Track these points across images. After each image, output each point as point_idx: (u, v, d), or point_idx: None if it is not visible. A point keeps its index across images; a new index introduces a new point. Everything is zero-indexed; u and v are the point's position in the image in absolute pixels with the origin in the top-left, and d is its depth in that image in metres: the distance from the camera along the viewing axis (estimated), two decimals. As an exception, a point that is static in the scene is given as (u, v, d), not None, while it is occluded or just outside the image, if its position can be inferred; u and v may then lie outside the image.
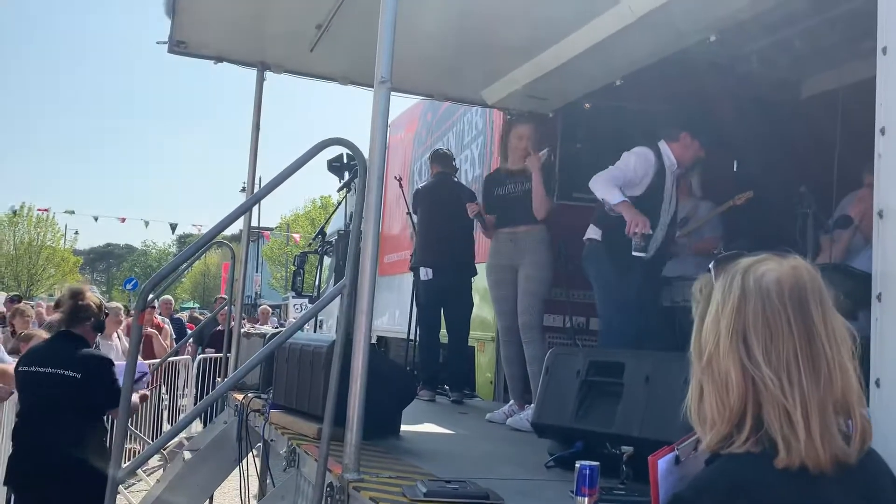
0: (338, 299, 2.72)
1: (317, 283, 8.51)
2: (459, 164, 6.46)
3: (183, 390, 8.11)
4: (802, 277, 1.18)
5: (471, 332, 5.52)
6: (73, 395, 3.44)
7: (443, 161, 5.63)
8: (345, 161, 8.32)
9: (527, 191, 4.50)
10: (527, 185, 4.51)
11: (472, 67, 4.97)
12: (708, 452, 1.17)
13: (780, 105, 5.54)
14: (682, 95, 5.32)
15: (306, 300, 9.54)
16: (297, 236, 33.04)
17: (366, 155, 2.61)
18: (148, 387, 4.72)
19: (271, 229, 40.81)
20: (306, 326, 7.72)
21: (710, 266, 1.27)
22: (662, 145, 4.09)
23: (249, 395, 4.10)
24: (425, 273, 5.28)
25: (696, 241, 4.82)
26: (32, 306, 8.53)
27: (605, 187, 3.74)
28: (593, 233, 4.00)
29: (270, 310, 11.72)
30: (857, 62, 4.40)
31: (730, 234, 4.88)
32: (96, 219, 22.45)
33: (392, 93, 2.58)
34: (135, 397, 3.58)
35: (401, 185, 6.23)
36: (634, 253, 3.59)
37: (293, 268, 8.48)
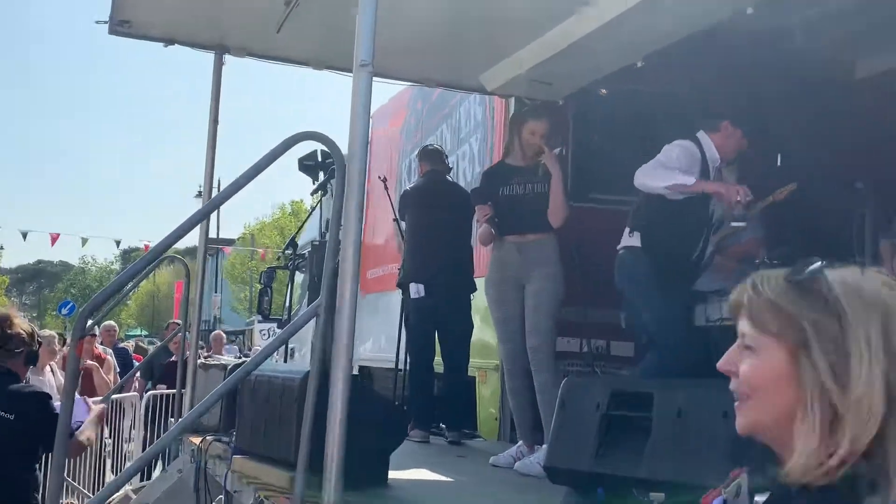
0: (312, 323, 2.71)
1: (287, 303, 8.52)
2: (456, 162, 6.47)
3: (129, 433, 8.07)
4: None
5: (470, 360, 5.52)
6: (6, 439, 3.41)
7: (433, 158, 5.64)
8: (319, 159, 8.35)
9: (538, 193, 4.51)
10: (538, 187, 4.52)
11: (469, 48, 5.00)
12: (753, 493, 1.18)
13: (830, 88, 5.57)
14: (714, 78, 5.36)
15: (275, 325, 9.55)
16: (262, 250, 33.02)
17: (344, 151, 2.62)
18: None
19: (233, 241, 40.79)
20: (275, 355, 7.71)
21: (821, 277, 1.22)
22: (702, 137, 4.12)
23: (208, 438, 4.09)
24: (416, 290, 5.27)
25: (734, 245, 4.83)
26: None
27: (663, 174, 3.76)
28: (630, 239, 4.00)
29: (224, 336, 11.67)
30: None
31: (771, 236, 4.90)
32: (25, 235, 21.67)
33: (375, 78, 2.59)
34: (82, 435, 3.54)
35: (386, 188, 6.24)
36: (735, 224, 3.62)
37: (259, 286, 8.48)
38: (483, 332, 5.76)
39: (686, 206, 3.91)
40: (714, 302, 4.23)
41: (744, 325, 1.22)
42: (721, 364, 1.25)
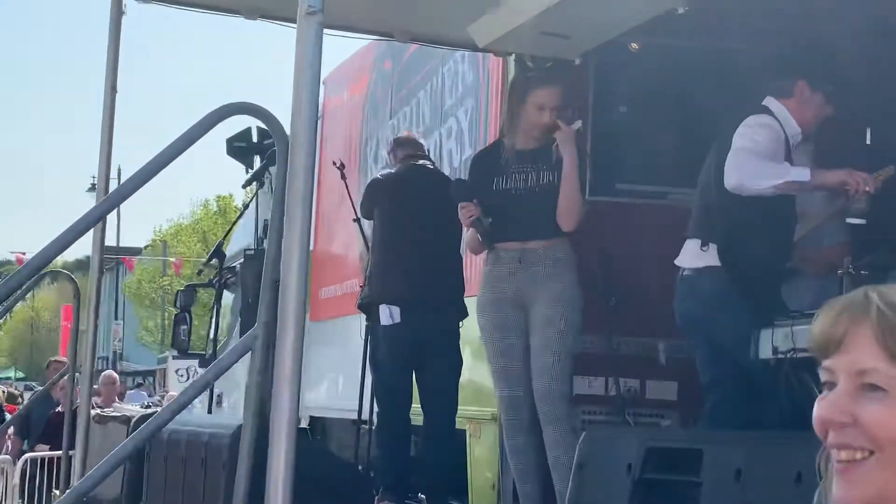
0: (246, 360, 2.71)
1: (212, 334, 8.49)
2: (438, 141, 6.49)
3: (-1, 510, 8.02)
4: None
5: (460, 408, 5.53)
6: None
7: (410, 145, 5.66)
8: (255, 140, 8.33)
9: (547, 185, 4.52)
10: (546, 176, 4.53)
11: (454, -12, 5.01)
12: None
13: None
14: (779, 26, 5.39)
15: (196, 362, 9.50)
16: (176, 260, 32.90)
17: (287, 128, 2.62)
18: None
19: (139, 251, 40.66)
20: (197, 403, 7.66)
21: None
22: (773, 105, 4.15)
23: (106, 516, 4.08)
24: (388, 315, 5.26)
25: (811, 252, 4.86)
26: None
27: (768, 169, 3.79)
28: (702, 256, 3.99)
29: (117, 378, 11.61)
30: None
31: (860, 239, 4.93)
32: None
33: (327, 31, 2.60)
34: None
35: (343, 177, 6.24)
36: (850, 220, 3.63)
37: (174, 311, 8.47)
38: (476, 371, 5.77)
39: (775, 206, 3.93)
40: (783, 327, 4.25)
41: (863, 359, 1.22)
42: (829, 414, 1.23)
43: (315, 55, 2.50)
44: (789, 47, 5.60)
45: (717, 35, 5.56)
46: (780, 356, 4.17)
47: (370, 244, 5.60)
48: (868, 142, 6.04)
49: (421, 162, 5.60)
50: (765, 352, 4.29)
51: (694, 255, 4.04)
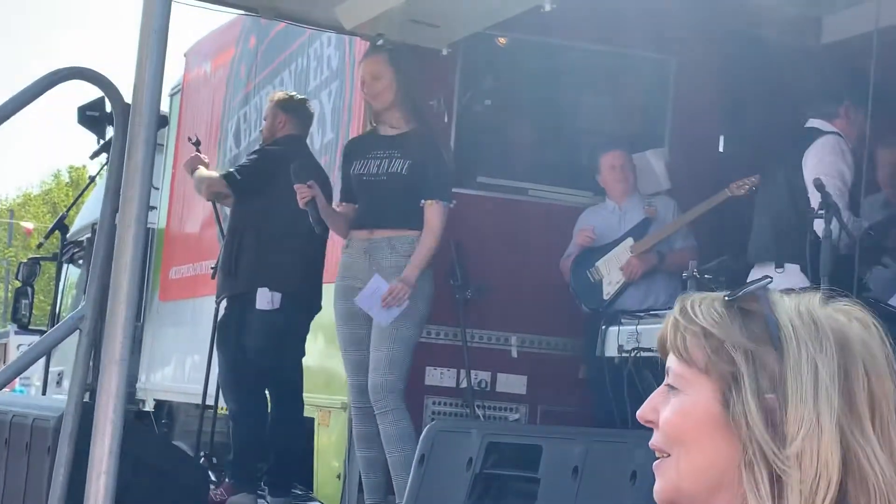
0: (74, 338, 2.60)
1: (56, 309, 8.20)
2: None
3: None
4: (874, 339, 1.21)
5: (310, 395, 5.45)
6: None
7: (303, 116, 5.47)
8: (107, 109, 8.06)
9: (394, 174, 4.47)
10: (396, 164, 4.48)
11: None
12: None
13: (789, 52, 5.80)
14: (641, 30, 5.48)
15: (37, 337, 9.13)
16: (28, 226, 31.79)
17: (128, 98, 2.52)
18: None
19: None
20: (35, 384, 7.38)
21: (761, 297, 1.24)
22: (824, 127, 4.25)
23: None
24: (268, 300, 5.07)
25: (667, 253, 4.99)
26: None
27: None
28: (780, 277, 3.95)
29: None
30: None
31: (706, 243, 5.06)
32: None
33: (192, 2, 2.50)
34: None
35: (199, 153, 6.05)
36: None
37: (16, 283, 8.14)
38: (326, 359, 5.70)
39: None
40: (629, 325, 4.34)
41: (670, 360, 1.23)
42: (641, 412, 1.24)
43: (161, 25, 2.40)
44: (647, 55, 5.72)
45: (583, 34, 5.62)
46: (624, 354, 4.25)
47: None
48: (720, 149, 6.21)
49: (301, 142, 5.44)
50: (610, 349, 4.37)
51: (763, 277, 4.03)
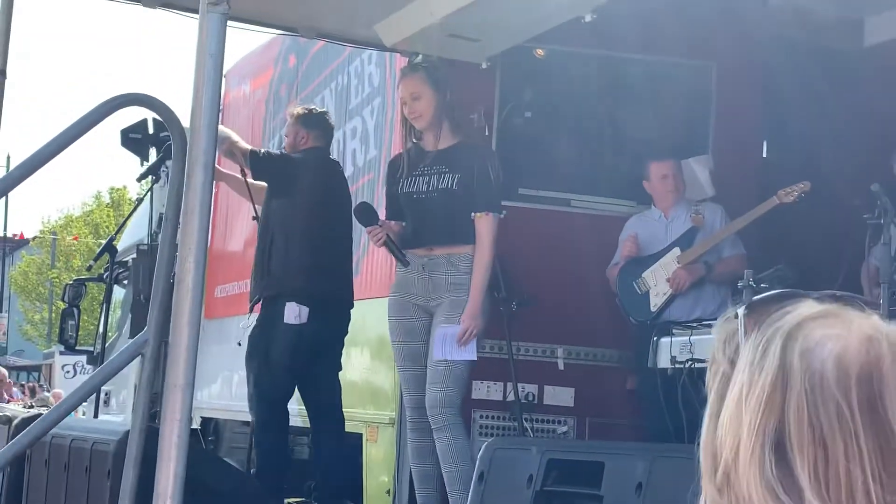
0: (136, 363, 2.59)
1: (101, 329, 8.26)
2: (342, 140, 6.37)
3: None
4: (880, 360, 1.14)
5: (357, 410, 5.43)
6: None
7: (324, 128, 5.45)
8: (150, 131, 8.11)
9: (444, 189, 4.45)
10: (445, 179, 4.46)
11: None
12: None
13: (831, 56, 5.75)
14: (679, 39, 5.44)
15: (83, 359, 9.20)
16: (73, 238, 32.07)
17: (185, 122, 2.52)
18: None
19: (27, 242, 39.49)
20: (83, 405, 7.42)
21: (739, 312, 1.24)
22: None
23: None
24: (296, 314, 5.06)
25: (716, 262, 4.93)
26: None
27: None
28: None
29: (6, 374, 11.23)
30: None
31: (759, 252, 5.00)
32: None
33: (231, 23, 2.50)
34: None
35: (244, 174, 6.07)
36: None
37: (62, 305, 8.20)
38: (374, 373, 5.68)
39: None
40: (681, 336, 4.28)
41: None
42: None
43: (218, 48, 2.40)
44: (688, 63, 5.68)
45: (621, 44, 5.59)
46: (677, 366, 4.19)
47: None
48: (764, 154, 6.16)
49: (324, 154, 5.41)
50: (663, 361, 4.32)
51: None
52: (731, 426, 1.13)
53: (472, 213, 4.41)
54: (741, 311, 1.23)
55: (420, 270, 4.44)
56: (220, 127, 5.35)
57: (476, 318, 4.29)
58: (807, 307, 1.18)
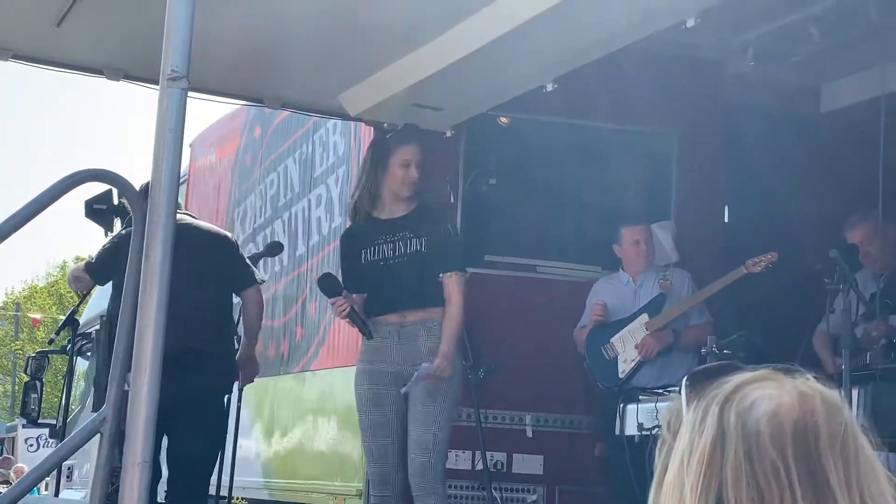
0: (97, 438, 2.54)
1: (63, 402, 8.12)
2: (307, 208, 6.36)
3: None
4: (814, 414, 1.16)
5: (324, 482, 5.35)
6: None
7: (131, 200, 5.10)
8: (115, 202, 8.07)
9: (413, 253, 4.43)
10: (412, 244, 4.45)
11: (326, 58, 4.95)
12: None
13: (788, 122, 5.83)
14: (646, 105, 5.51)
15: (45, 431, 9.03)
16: (35, 316, 31.70)
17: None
18: None
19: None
20: (46, 480, 7.28)
21: (683, 384, 1.26)
22: None
23: None
24: None
25: (682, 330, 4.94)
26: None
27: None
28: None
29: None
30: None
31: (723, 317, 5.01)
32: None
33: (192, 94, 2.50)
34: None
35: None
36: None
37: (25, 377, 8.06)
38: (342, 442, 5.62)
39: None
40: (647, 404, 4.27)
41: None
42: None
43: (177, 123, 2.39)
44: (651, 131, 5.75)
45: (583, 112, 5.65)
46: (644, 433, 4.17)
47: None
48: (726, 220, 6.21)
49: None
50: (630, 428, 4.29)
51: None
52: (673, 490, 1.14)
53: (441, 274, 4.40)
54: (683, 382, 1.25)
55: (394, 338, 4.37)
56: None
57: (448, 360, 4.24)
58: (744, 374, 1.20)
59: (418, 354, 4.32)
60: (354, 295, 4.47)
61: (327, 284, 4.52)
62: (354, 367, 5.07)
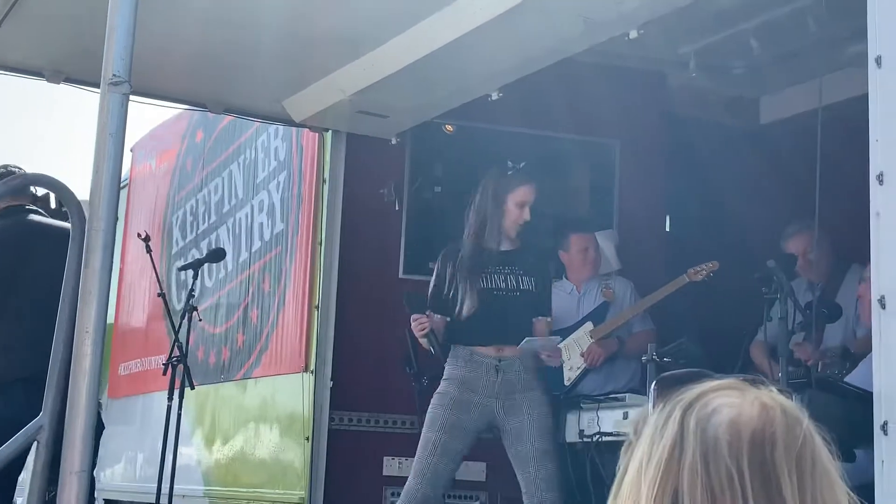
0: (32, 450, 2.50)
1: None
2: (251, 214, 6.32)
3: None
4: (773, 424, 1.17)
5: (266, 490, 5.29)
6: None
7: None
8: (52, 206, 7.97)
9: (527, 291, 4.44)
10: (524, 280, 4.45)
11: (270, 64, 4.93)
12: None
13: (729, 133, 5.92)
14: (590, 115, 5.56)
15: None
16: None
17: (83, 198, 2.47)
18: None
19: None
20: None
21: (651, 389, 1.27)
22: None
23: None
24: None
25: (627, 337, 4.98)
26: None
27: None
28: None
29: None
30: (845, 72, 4.79)
31: (663, 325, 5.06)
32: None
33: (134, 98, 2.47)
34: None
35: (149, 249, 5.97)
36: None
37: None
38: (285, 450, 5.58)
39: None
40: (590, 409, 4.30)
41: None
42: None
43: (118, 128, 2.37)
44: (592, 141, 5.80)
45: (529, 121, 5.68)
46: (585, 440, 4.20)
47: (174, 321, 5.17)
48: (667, 228, 6.27)
49: (24, 213, 4.40)
50: (571, 434, 4.32)
51: None
52: (631, 491, 1.15)
53: (537, 317, 4.47)
54: (652, 387, 1.27)
55: (491, 371, 4.36)
56: None
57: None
58: (711, 383, 1.21)
59: (512, 389, 4.35)
60: (437, 317, 4.44)
61: (414, 301, 4.50)
62: (300, 375, 5.05)
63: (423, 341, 4.46)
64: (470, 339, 4.41)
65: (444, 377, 4.48)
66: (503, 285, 4.47)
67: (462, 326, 4.42)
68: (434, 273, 4.62)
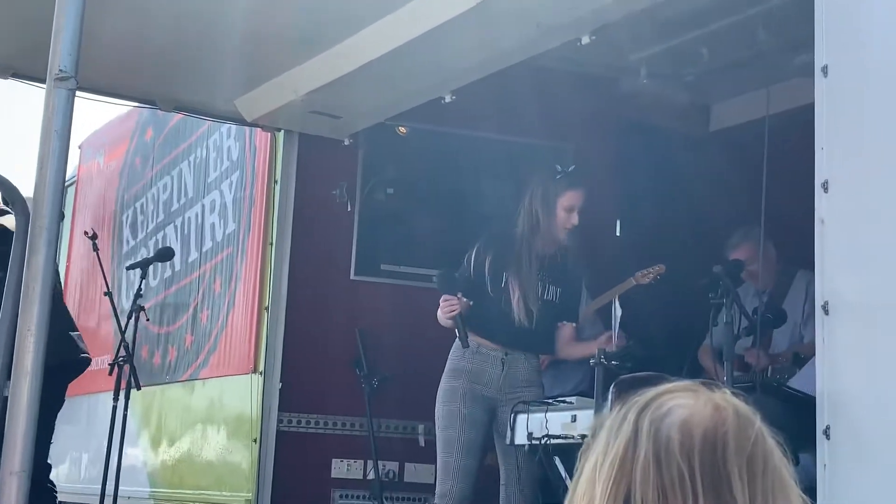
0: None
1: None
2: (202, 213, 6.27)
3: None
4: (725, 425, 1.19)
5: (212, 492, 5.26)
6: None
7: None
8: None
9: (548, 301, 4.49)
10: (551, 290, 4.50)
11: (222, 62, 4.90)
12: None
13: (679, 139, 5.97)
14: (542, 119, 5.58)
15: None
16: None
17: (28, 194, 2.45)
18: None
19: None
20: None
21: (610, 391, 1.29)
22: None
23: None
24: None
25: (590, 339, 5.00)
26: None
27: None
28: None
29: None
30: (792, 82, 4.85)
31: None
32: None
33: (81, 94, 2.45)
34: None
35: (96, 248, 5.91)
36: None
37: None
38: (232, 451, 5.54)
39: None
40: (538, 412, 4.30)
41: None
42: None
43: (64, 125, 2.34)
44: (544, 144, 5.82)
45: (482, 124, 5.70)
46: (534, 442, 4.20)
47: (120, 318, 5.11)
48: (617, 233, 6.31)
49: None
50: (520, 437, 4.32)
51: None
52: (586, 492, 1.16)
53: (562, 322, 4.54)
54: (611, 389, 1.29)
55: (498, 364, 4.42)
56: None
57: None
58: (666, 385, 1.22)
59: (518, 383, 4.41)
60: (466, 300, 4.45)
61: (446, 280, 4.52)
62: (249, 376, 5.01)
63: (448, 322, 4.47)
64: (484, 329, 4.45)
65: (447, 371, 4.51)
66: (542, 293, 4.53)
67: (481, 318, 4.45)
68: (471, 261, 4.60)
